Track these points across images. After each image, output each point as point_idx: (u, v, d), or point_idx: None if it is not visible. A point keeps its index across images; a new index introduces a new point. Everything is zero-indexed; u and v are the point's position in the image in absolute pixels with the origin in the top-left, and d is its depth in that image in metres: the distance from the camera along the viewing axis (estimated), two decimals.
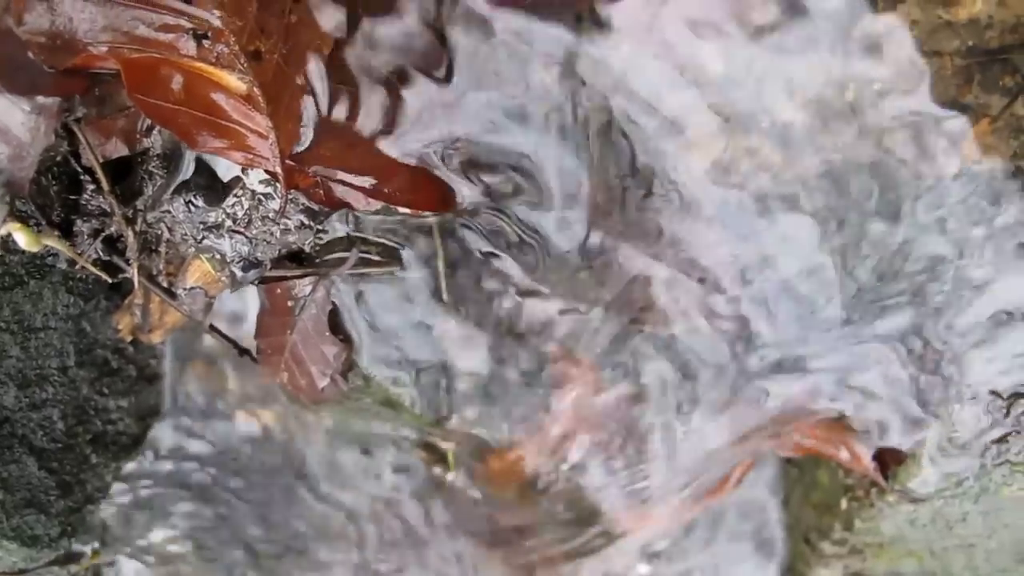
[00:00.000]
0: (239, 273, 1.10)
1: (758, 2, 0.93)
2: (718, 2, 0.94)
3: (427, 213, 1.07)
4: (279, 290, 1.16)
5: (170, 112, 0.94)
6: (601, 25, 0.96)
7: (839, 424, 1.23)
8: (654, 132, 1.01)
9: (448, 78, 1.00)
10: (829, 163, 1.00)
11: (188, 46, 0.91)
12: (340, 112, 0.99)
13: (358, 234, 1.11)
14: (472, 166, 1.04)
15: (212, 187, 1.08)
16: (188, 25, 0.90)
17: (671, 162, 1.03)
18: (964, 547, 1.32)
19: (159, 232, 1.11)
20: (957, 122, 0.97)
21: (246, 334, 1.26)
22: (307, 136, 0.98)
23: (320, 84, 0.96)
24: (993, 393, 1.14)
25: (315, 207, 1.07)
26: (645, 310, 1.14)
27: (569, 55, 0.97)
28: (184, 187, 1.08)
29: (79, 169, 1.07)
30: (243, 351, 1.27)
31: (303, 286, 1.14)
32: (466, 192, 1.05)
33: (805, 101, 0.97)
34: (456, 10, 0.97)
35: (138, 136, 1.05)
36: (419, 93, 1.00)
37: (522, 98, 1.00)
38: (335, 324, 1.16)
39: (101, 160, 1.05)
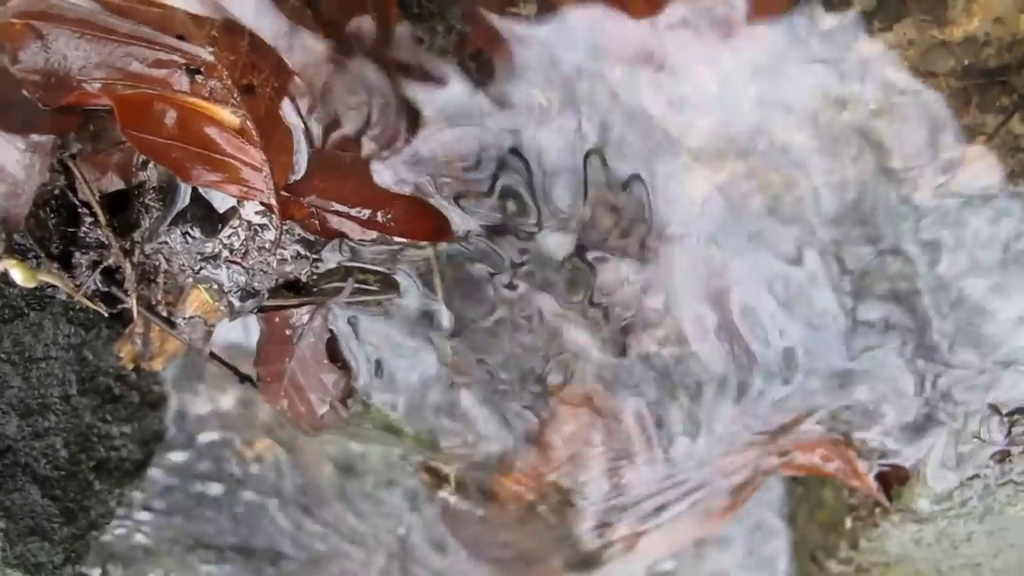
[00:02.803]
0: (236, 303, 1.10)
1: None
2: (711, 21, 0.94)
3: (423, 242, 1.07)
4: (277, 319, 1.16)
5: (163, 147, 0.94)
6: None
7: (841, 442, 1.22)
8: (651, 154, 1.01)
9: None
10: (829, 184, 0.99)
11: (181, 81, 0.92)
12: (333, 143, 0.99)
13: (354, 263, 1.11)
14: (463, 194, 1.04)
15: (208, 218, 1.08)
16: (181, 61, 0.91)
17: (668, 185, 1.02)
18: (970, 566, 1.31)
19: (157, 263, 1.12)
20: (953, 143, 0.96)
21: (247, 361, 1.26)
22: (301, 167, 0.98)
23: (312, 116, 0.97)
24: (993, 409, 1.13)
25: (311, 237, 1.08)
26: (640, 331, 1.14)
27: (567, 78, 0.98)
28: (181, 218, 1.08)
29: (77, 202, 1.08)
30: (244, 378, 1.27)
31: (301, 315, 1.14)
32: (460, 220, 1.05)
33: (803, 122, 0.97)
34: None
35: (134, 170, 1.06)
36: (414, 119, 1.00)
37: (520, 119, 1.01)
38: (333, 352, 1.17)
39: (97, 194, 1.05)
